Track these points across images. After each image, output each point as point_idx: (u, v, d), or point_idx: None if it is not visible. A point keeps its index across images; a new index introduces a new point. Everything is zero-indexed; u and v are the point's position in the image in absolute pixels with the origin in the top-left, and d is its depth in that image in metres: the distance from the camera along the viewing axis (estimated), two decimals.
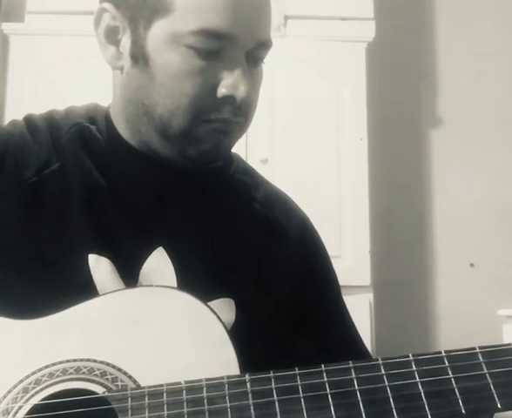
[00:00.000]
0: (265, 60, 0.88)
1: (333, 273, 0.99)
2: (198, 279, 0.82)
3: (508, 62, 3.18)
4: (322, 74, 2.80)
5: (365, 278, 2.68)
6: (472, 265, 3.09)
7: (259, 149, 2.63)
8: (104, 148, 0.89)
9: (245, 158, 1.00)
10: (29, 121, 0.90)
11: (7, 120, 0.92)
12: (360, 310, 2.54)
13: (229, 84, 0.81)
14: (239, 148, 0.96)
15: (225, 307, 0.83)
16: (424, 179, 3.18)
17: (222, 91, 0.81)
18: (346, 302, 0.99)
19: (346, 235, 2.70)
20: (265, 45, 0.85)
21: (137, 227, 0.85)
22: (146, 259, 0.84)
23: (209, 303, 0.76)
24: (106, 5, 0.85)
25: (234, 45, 0.81)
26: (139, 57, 0.83)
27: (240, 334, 0.76)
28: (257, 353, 0.76)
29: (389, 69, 3.15)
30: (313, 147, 2.75)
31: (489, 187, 3.11)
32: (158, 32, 0.81)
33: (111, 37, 0.86)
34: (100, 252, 0.82)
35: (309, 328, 0.92)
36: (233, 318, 0.84)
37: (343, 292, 0.99)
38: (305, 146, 2.74)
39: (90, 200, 0.85)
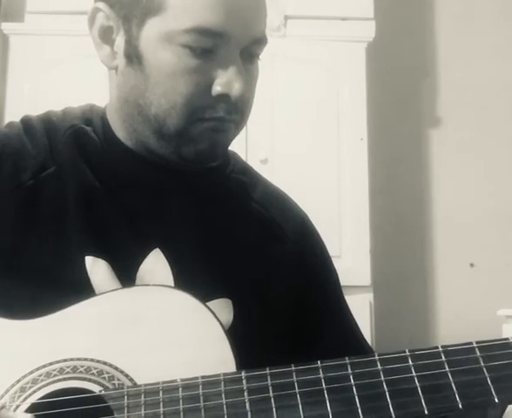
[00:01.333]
0: (263, 58, 0.87)
1: (334, 270, 0.98)
2: (195, 279, 0.82)
3: (509, 62, 3.18)
4: (322, 74, 2.79)
5: (365, 278, 2.68)
6: (472, 265, 3.09)
7: (259, 149, 2.63)
8: (100, 150, 0.89)
9: (245, 158, 1.00)
10: (26, 123, 0.90)
11: (7, 120, 0.92)
12: (360, 310, 2.53)
13: (223, 82, 0.81)
14: (238, 148, 0.96)
15: (223, 307, 0.83)
16: (424, 179, 3.17)
17: (217, 89, 0.81)
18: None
19: (346, 235, 2.69)
20: (260, 42, 0.84)
21: (133, 229, 0.85)
22: (143, 260, 0.83)
23: (207, 303, 0.76)
24: (100, 5, 0.85)
25: (228, 43, 0.80)
26: (133, 56, 0.83)
27: (239, 334, 0.76)
28: (255, 354, 0.75)
29: (389, 69, 3.15)
30: (313, 147, 2.74)
31: (489, 187, 3.10)
32: (151, 31, 0.81)
33: (106, 36, 0.85)
34: (97, 254, 0.82)
35: (309, 326, 0.92)
36: (231, 318, 0.83)
37: (343, 292, 0.99)
38: (305, 146, 2.73)
39: (86, 202, 0.85)
